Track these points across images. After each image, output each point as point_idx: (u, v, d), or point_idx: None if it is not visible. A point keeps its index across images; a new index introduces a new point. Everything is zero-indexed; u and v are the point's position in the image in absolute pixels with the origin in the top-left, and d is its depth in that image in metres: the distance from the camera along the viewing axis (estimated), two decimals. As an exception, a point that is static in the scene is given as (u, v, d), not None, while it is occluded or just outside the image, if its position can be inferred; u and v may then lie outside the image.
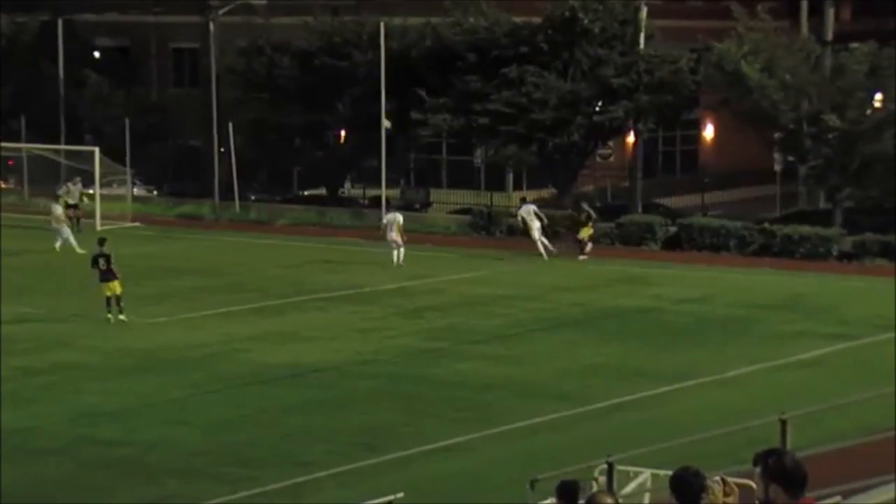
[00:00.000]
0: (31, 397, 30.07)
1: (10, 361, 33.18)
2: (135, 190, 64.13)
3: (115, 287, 38.37)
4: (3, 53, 70.77)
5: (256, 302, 41.73)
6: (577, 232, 52.12)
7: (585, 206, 53.59)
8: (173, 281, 45.37)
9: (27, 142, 65.34)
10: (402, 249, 48.31)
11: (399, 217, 49.75)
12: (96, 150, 60.05)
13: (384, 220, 50.67)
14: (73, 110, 69.47)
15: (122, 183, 62.29)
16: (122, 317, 38.17)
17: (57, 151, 63.86)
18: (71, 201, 57.01)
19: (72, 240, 51.37)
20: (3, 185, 68.78)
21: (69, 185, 57.76)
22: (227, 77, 65.63)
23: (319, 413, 29.04)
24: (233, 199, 62.90)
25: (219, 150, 63.88)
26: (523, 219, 52.07)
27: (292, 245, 54.85)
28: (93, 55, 73.43)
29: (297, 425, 28.01)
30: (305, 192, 66.76)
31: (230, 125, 62.86)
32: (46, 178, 63.97)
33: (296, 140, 65.61)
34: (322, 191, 66.18)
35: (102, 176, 60.39)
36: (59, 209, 53.25)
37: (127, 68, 73.81)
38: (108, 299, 38.34)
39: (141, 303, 39.47)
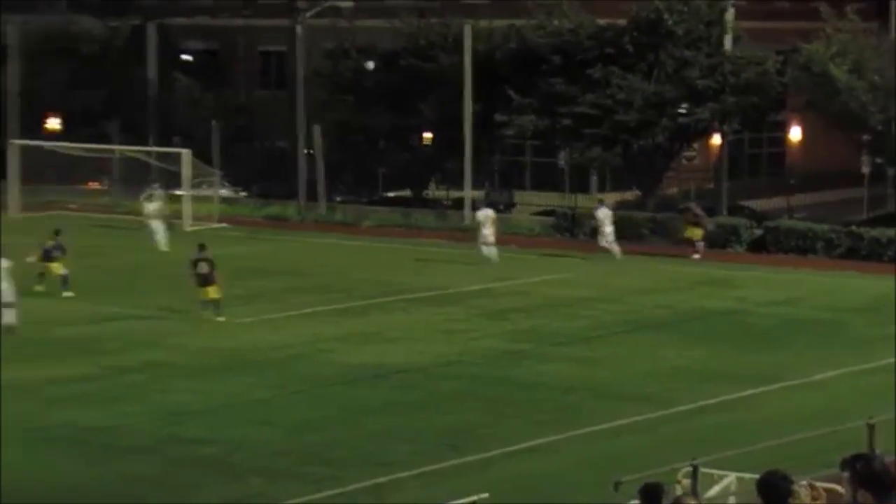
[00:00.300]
0: (120, 396, 30.28)
1: (100, 360, 33.47)
2: (222, 191, 64.00)
3: (212, 291, 38.69)
4: (96, 57, 71.10)
5: (341, 303, 41.75)
6: (686, 232, 52.00)
7: (694, 206, 53.50)
8: (260, 282, 45.44)
9: (119, 143, 65.47)
10: (493, 248, 48.45)
11: (491, 213, 50.01)
12: (186, 151, 60.57)
13: (477, 217, 50.68)
14: (164, 113, 69.86)
15: (211, 184, 62.52)
16: (220, 318, 38.42)
17: (148, 153, 64.12)
18: (153, 201, 57.21)
19: (159, 237, 52.00)
20: (93, 186, 68.92)
21: (152, 190, 58.09)
22: (314, 79, 65.44)
23: (402, 414, 29.00)
24: (319, 201, 62.77)
25: (305, 152, 63.88)
26: (599, 219, 51.93)
27: (377, 246, 54.78)
28: (182, 58, 73.76)
29: (380, 426, 27.98)
30: (390, 194, 66.62)
31: (316, 127, 62.83)
32: (137, 179, 63.76)
33: (381, 142, 65.56)
34: (407, 192, 66.13)
35: (192, 177, 60.71)
36: (152, 206, 53.74)
37: (216, 71, 74.41)
38: (205, 301, 38.69)
39: (228, 303, 39.52)
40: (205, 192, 61.70)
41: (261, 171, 67.17)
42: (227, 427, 27.76)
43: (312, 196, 62.96)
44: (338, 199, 64.67)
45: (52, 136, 68.10)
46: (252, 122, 69.21)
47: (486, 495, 17.65)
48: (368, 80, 64.64)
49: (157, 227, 52.98)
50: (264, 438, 26.94)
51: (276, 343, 35.75)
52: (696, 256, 51.12)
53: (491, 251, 48.61)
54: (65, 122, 69.97)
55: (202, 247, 40.11)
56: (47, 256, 42.83)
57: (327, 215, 62.00)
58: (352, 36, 66.17)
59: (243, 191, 67.30)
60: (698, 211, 52.68)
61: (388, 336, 36.89)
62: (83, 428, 27.49)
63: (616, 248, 50.61)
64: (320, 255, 52.87)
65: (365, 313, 40.25)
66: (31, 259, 42.13)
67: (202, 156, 62.21)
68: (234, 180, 66.55)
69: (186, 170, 59.98)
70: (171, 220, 55.35)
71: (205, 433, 27.24)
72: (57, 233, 43.94)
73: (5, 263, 37.00)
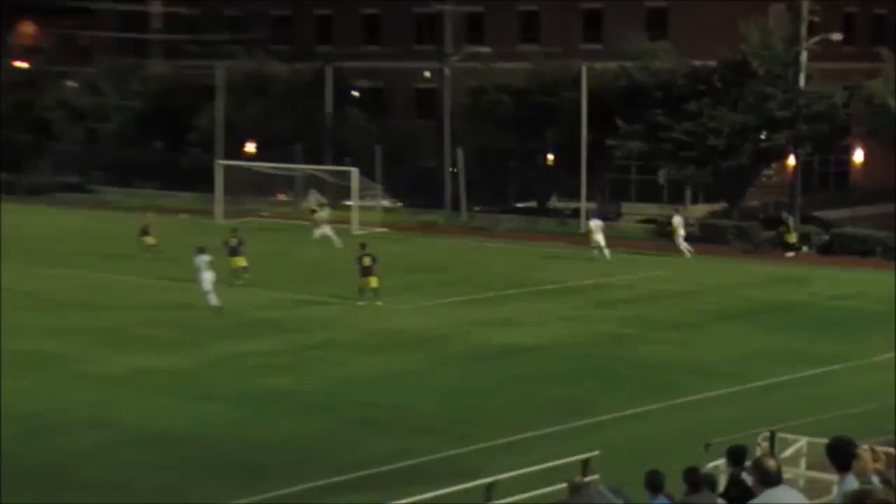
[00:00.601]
0: (303, 366, 30.59)
1: (288, 338, 33.89)
2: (384, 202, 64.14)
3: (373, 281, 39.06)
4: (284, 94, 71.35)
5: (480, 293, 41.61)
6: (784, 237, 52.39)
7: (786, 215, 53.91)
8: (414, 276, 45.51)
9: (301, 163, 65.99)
10: (606, 249, 48.47)
11: (600, 221, 50.69)
12: (354, 170, 60.72)
13: (591, 224, 50.89)
14: (337, 138, 69.54)
15: (374, 196, 62.69)
16: (378, 303, 38.67)
17: (324, 171, 64.37)
18: (314, 209, 57.79)
19: (333, 238, 52.47)
20: (280, 198, 69.54)
21: (311, 196, 58.71)
22: (458, 111, 65.65)
23: (530, 385, 28.94)
24: (461, 210, 62.94)
25: (450, 170, 63.99)
26: (674, 225, 52.10)
27: (509, 247, 54.61)
28: (353, 95, 73.90)
29: (512, 395, 27.95)
30: (519, 205, 66.49)
31: (459, 150, 63.11)
32: (317, 193, 65.10)
33: (511, 162, 65.52)
34: (533, 203, 66.01)
35: (359, 191, 60.87)
36: (322, 213, 54.40)
37: (379, 105, 74.38)
38: (363, 290, 38.99)
39: (389, 293, 39.73)
40: (369, 202, 62.01)
41: (414, 186, 66.97)
42: (388, 393, 27.90)
43: (456, 206, 63.15)
44: (476, 208, 64.55)
45: (249, 157, 68.84)
46: (408, 146, 68.83)
47: (596, 453, 17.55)
48: (502, 112, 64.42)
49: (327, 230, 53.45)
50: (419, 403, 27.08)
51: (428, 326, 35.91)
52: (790, 255, 51.27)
53: (603, 252, 48.51)
54: (259, 147, 70.58)
55: (363, 245, 40.70)
56: (233, 252, 43.26)
57: (468, 222, 62.03)
58: (489, 76, 66.18)
59: (400, 202, 67.27)
60: (790, 220, 53.03)
61: (518, 321, 36.84)
62: (273, 391, 27.81)
63: (686, 248, 50.88)
64: (462, 254, 52.84)
65: (499, 302, 40.19)
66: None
67: (367, 173, 62.41)
68: (392, 193, 66.55)
69: (354, 184, 60.25)
70: (337, 225, 55.36)
71: (370, 398, 27.41)
72: (234, 230, 44.71)
73: (207, 257, 37.83)
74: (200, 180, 66.83)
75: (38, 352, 31.48)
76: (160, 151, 74.94)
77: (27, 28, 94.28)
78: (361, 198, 60.85)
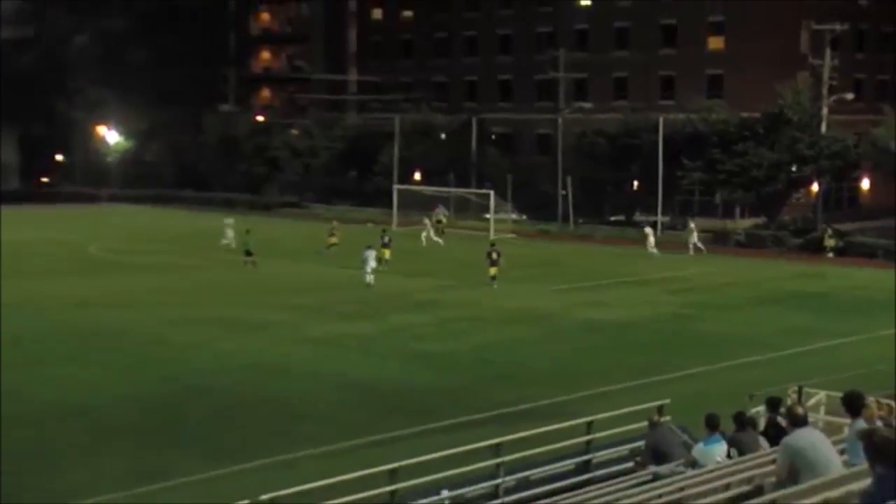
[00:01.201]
0: (451, 335, 30.36)
1: (438, 314, 33.79)
2: (512, 215, 63.44)
3: (493, 271, 39.19)
4: (442, 138, 70.93)
5: (581, 283, 41.11)
6: (825, 243, 51.16)
7: (825, 227, 52.91)
8: (533, 270, 45.05)
9: (453, 188, 65.90)
10: (697, 243, 49.05)
11: (649, 230, 51.15)
12: (491, 192, 60.50)
13: (690, 226, 51.75)
14: (479, 169, 69.42)
15: (506, 211, 62.15)
16: (495, 287, 38.64)
17: (469, 193, 64.46)
18: (440, 219, 58.44)
19: (432, 236, 53.18)
20: (439, 213, 69.44)
21: (437, 210, 58.76)
22: (567, 150, 64.77)
23: (617, 350, 28.56)
24: (569, 222, 62.28)
25: (561, 193, 63.40)
26: (690, 229, 52.12)
27: (603, 250, 53.99)
28: (491, 138, 72.85)
29: (605, 358, 27.59)
30: (612, 218, 65.12)
31: (569, 178, 62.53)
32: (462, 209, 65.16)
33: (606, 187, 64.50)
34: (622, 217, 65.14)
35: (494, 207, 60.44)
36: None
37: (510, 145, 73.09)
38: (491, 276, 39.12)
39: (514, 282, 39.63)
40: (502, 216, 61.39)
41: (535, 204, 66.49)
42: (513, 355, 27.67)
43: (566, 219, 62.42)
44: (580, 220, 62.87)
45: (416, 183, 68.88)
46: (531, 175, 67.59)
47: (667, 401, 17.16)
48: (600, 150, 63.74)
49: (431, 233, 54.12)
50: (537, 364, 26.79)
51: (543, 306, 35.56)
52: (830, 255, 50.18)
53: (699, 247, 49.38)
54: (423, 175, 70.62)
55: (492, 244, 41.31)
56: (384, 244, 43.87)
57: (574, 230, 61.05)
58: (591, 124, 65.51)
59: (524, 216, 66.51)
60: (829, 230, 52.26)
61: (609, 303, 36.34)
62: (430, 353, 27.71)
63: (696, 247, 50.57)
64: (569, 254, 52.14)
65: (595, 290, 39.61)
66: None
67: (501, 195, 62.07)
68: (519, 209, 65.47)
69: (491, 203, 59.89)
70: (475, 233, 55.42)
71: (500, 358, 27.17)
72: (384, 231, 45.14)
73: (372, 252, 39.17)
74: (382, 199, 67.29)
75: (268, 320, 31.89)
76: (353, 179, 75.52)
77: (264, 93, 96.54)
78: (496, 213, 60.15)
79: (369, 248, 39.12)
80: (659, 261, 47.39)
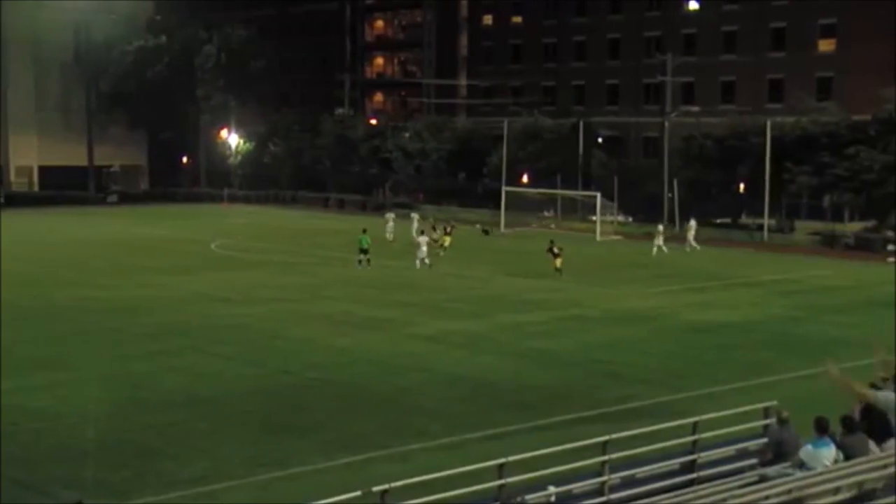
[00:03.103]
0: (559, 333, 30.18)
1: (546, 313, 33.52)
2: (619, 217, 62.96)
3: (558, 263, 40.42)
4: (550, 141, 69.98)
5: (688, 284, 40.38)
6: None
7: None
8: (640, 271, 44.32)
9: (560, 189, 65.38)
10: (692, 242, 49.70)
11: (694, 223, 51.80)
12: (597, 194, 60.12)
13: (690, 223, 51.88)
14: (586, 171, 68.54)
15: (612, 213, 61.81)
16: (558, 265, 40.05)
17: (576, 195, 63.99)
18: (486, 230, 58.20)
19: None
20: (547, 214, 68.60)
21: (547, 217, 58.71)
22: (673, 152, 63.66)
23: (725, 351, 27.97)
24: (675, 224, 60.70)
25: (668, 195, 62.60)
26: (690, 226, 52.23)
27: (710, 251, 52.58)
28: (598, 141, 72.36)
29: (712, 357, 27.16)
30: (718, 221, 62.63)
31: (675, 181, 61.65)
32: (569, 211, 65.10)
33: (712, 189, 63.06)
34: (728, 220, 63.67)
35: (601, 209, 59.87)
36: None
37: (617, 148, 72.67)
38: (556, 269, 40.11)
39: (619, 283, 39.24)
40: (608, 217, 61.02)
41: (641, 206, 65.58)
42: (621, 354, 27.35)
43: (672, 220, 61.11)
44: (685, 222, 61.82)
45: (524, 185, 68.87)
46: (637, 177, 66.87)
47: (775, 402, 16.72)
48: (706, 153, 62.47)
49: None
50: (643, 362, 26.47)
51: (650, 306, 35.05)
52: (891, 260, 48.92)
53: (692, 247, 49.33)
54: (531, 178, 70.37)
55: (552, 242, 42.14)
56: (447, 232, 45.85)
57: (679, 233, 58.58)
58: (697, 127, 64.48)
59: (631, 217, 65.45)
60: None
61: (716, 304, 35.61)
62: (538, 351, 27.60)
63: (694, 245, 51.28)
64: (674, 255, 50.61)
65: (702, 291, 38.69)
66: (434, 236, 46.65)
67: (607, 197, 61.42)
68: (625, 211, 64.83)
69: (598, 205, 59.34)
70: (583, 234, 54.93)
71: (608, 357, 26.89)
72: (485, 228, 45.00)
73: (424, 238, 41.85)
74: (490, 201, 67.28)
75: (382, 317, 32.21)
76: (463, 181, 75.82)
77: (378, 97, 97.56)
78: (602, 214, 59.55)
79: (423, 233, 41.92)
80: (766, 262, 46.49)
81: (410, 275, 42.07)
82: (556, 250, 39.70)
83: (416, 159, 76.96)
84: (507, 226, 61.30)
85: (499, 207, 63.86)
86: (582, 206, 62.97)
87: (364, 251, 42.70)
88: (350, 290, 37.20)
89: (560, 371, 25.24)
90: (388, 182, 79.44)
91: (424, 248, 41.28)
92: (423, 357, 26.49)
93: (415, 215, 53.44)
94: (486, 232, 56.68)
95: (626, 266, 43.32)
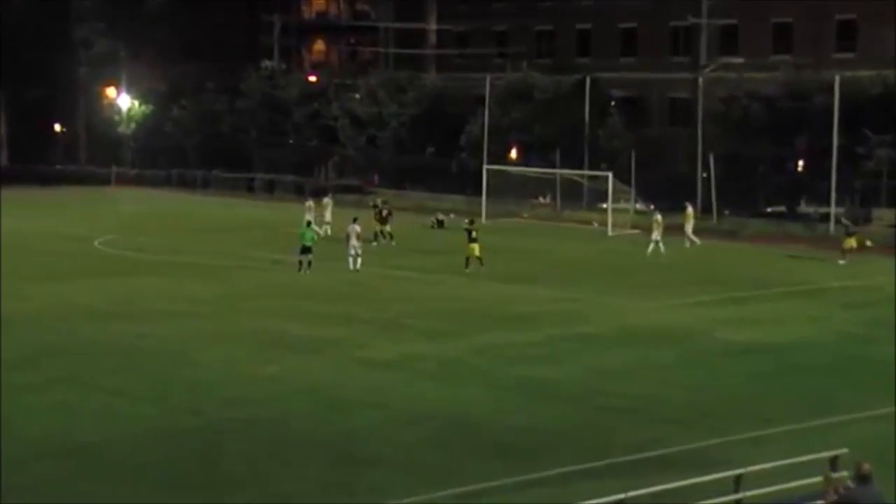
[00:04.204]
0: (559, 358, 30.28)
1: (544, 331, 33.62)
2: (636, 205, 63.27)
3: (475, 249, 41.83)
4: (547, 103, 71.13)
5: (726, 293, 40.65)
6: None
7: None
8: (663, 275, 44.75)
9: (559, 167, 65.87)
10: (690, 235, 50.63)
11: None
12: (609, 174, 60.53)
13: (688, 211, 52.33)
14: (594, 144, 69.42)
15: (627, 199, 62.07)
16: (468, 270, 41.33)
17: (581, 176, 64.22)
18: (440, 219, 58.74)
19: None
20: (542, 201, 69.37)
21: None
22: (710, 119, 64.81)
23: (775, 381, 28.21)
24: (711, 214, 61.75)
25: (701, 175, 63.30)
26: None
27: (756, 250, 53.20)
28: (610, 104, 73.06)
29: (756, 389, 27.36)
30: (769, 209, 64.52)
31: (711, 156, 62.33)
32: (571, 197, 65.62)
33: (760, 167, 64.24)
34: (782, 208, 64.28)
35: (613, 194, 60.45)
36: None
37: (634, 113, 73.28)
38: (471, 259, 41.24)
39: (639, 292, 39.38)
40: (622, 206, 61.25)
41: (666, 190, 65.32)
42: (638, 385, 27.58)
43: (706, 209, 61.97)
44: (725, 212, 63.43)
45: (512, 162, 69.35)
46: (661, 152, 68.13)
47: (845, 450, 16.91)
48: (753, 119, 63.13)
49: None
50: (668, 395, 26.62)
51: (676, 323, 35.26)
52: None
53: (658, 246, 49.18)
54: (521, 152, 70.85)
55: (471, 221, 44.49)
56: (382, 217, 47.40)
57: (716, 225, 60.79)
58: (741, 85, 64.95)
59: (652, 205, 65.46)
60: None
61: (764, 320, 35.64)
62: (530, 380, 27.75)
63: (694, 239, 52.47)
64: (710, 256, 51.58)
65: (743, 302, 38.86)
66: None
67: (621, 178, 62.07)
68: (644, 197, 65.33)
69: (609, 189, 59.71)
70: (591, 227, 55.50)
71: (621, 389, 27.11)
72: (471, 222, 45.23)
73: (356, 227, 42.32)
74: (468, 183, 67.78)
75: (325, 337, 32.24)
76: (432, 157, 76.18)
77: (318, 46, 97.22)
78: (615, 201, 60.44)
79: (355, 220, 42.42)
80: (830, 264, 46.74)
81: (362, 280, 42.14)
82: (473, 234, 41.12)
83: (369, 128, 78.37)
84: (489, 216, 62.13)
85: (479, 192, 64.59)
86: (589, 191, 63.65)
87: (306, 250, 42.80)
88: (281, 302, 37.27)
89: (558, 407, 25.36)
90: (332, 159, 79.14)
91: (356, 242, 42.25)
92: (377, 389, 26.67)
93: (309, 203, 53.92)
94: (439, 224, 56.78)
95: (646, 269, 43.91)
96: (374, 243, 45.42)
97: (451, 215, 61.13)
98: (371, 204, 52.79)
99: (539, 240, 55.55)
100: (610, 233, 56.06)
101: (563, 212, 64.67)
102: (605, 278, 40.02)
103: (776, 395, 26.72)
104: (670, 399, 26.21)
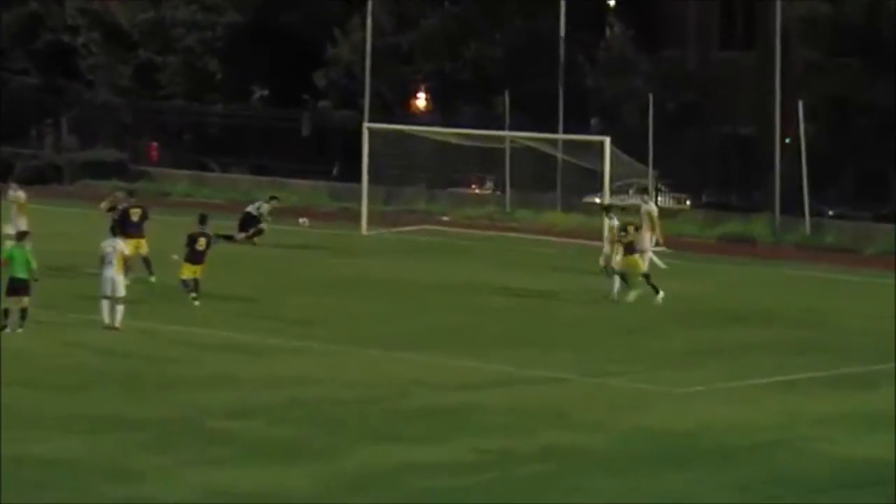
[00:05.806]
0: (510, 494, 26.75)
1: (481, 443, 30.27)
2: (659, 199, 61.44)
3: (193, 271, 43.12)
4: (481, 4, 71.37)
5: (833, 368, 37.94)
6: None
7: None
8: (712, 333, 42.42)
9: (513, 128, 63.72)
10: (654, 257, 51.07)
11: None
12: (606, 140, 56.63)
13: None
14: (576, 82, 67.54)
15: (642, 189, 59.55)
16: (194, 300, 42.51)
17: (552, 143, 61.73)
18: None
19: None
20: (476, 191, 70.22)
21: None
22: (800, 33, 63.27)
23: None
24: (802, 215, 60.71)
25: (782, 142, 61.30)
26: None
27: (888, 283, 50.35)
28: (608, 4, 72.03)
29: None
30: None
31: (800, 105, 60.14)
32: (535, 180, 64.65)
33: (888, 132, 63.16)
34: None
35: (614, 177, 57.68)
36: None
37: (654, 22, 71.24)
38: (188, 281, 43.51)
39: (665, 364, 37.61)
40: (632, 200, 57.85)
41: (715, 171, 65.76)
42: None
43: (791, 208, 61.32)
44: (829, 212, 63.19)
45: (423, 114, 70.80)
46: (704, 99, 66.87)
47: None
48: (884, 30, 62.44)
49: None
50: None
51: (738, 423, 32.13)
52: None
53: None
54: (435, 99, 71.94)
55: (203, 217, 45.18)
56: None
57: (814, 236, 60.54)
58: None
59: (689, 199, 65.77)
60: None
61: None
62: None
63: (657, 261, 52.07)
64: (803, 294, 50.26)
65: (871, 384, 36.09)
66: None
67: (630, 146, 59.78)
68: (675, 183, 65.11)
69: (606, 166, 56.71)
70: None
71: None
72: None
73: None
74: (332, 158, 71.42)
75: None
76: (263, 106, 77.41)
77: None
78: (617, 192, 58.97)
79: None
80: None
81: (128, 347, 38.98)
82: (201, 245, 42.73)
83: (140, 51, 78.20)
84: (373, 223, 61.61)
85: (352, 175, 64.59)
86: (568, 172, 61.75)
87: (18, 287, 40.63)
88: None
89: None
90: (68, 112, 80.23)
91: (118, 274, 41.00)
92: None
93: (19, 194, 53.34)
94: (227, 238, 56.06)
95: (676, 320, 43.11)
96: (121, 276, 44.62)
97: (302, 220, 60.67)
98: (106, 203, 50.45)
99: (475, 267, 54.29)
100: (606, 250, 51.03)
101: (515, 211, 64.28)
102: (600, 341, 39.31)
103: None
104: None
